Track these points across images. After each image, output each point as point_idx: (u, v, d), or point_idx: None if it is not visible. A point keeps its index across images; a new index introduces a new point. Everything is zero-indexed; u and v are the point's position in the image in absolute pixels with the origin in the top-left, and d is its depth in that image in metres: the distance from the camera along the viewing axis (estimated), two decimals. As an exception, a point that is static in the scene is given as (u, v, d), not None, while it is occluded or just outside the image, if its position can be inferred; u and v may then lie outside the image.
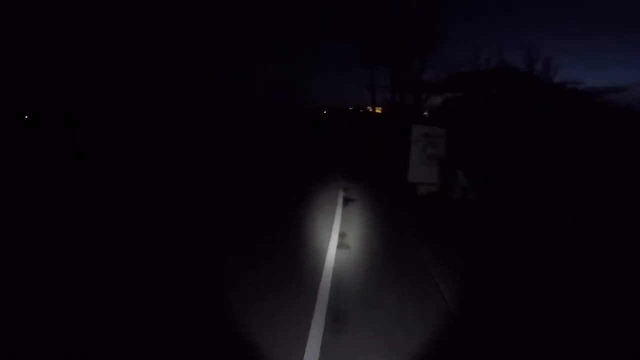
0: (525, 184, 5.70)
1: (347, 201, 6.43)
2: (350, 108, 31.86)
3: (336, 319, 2.74)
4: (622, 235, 4.16)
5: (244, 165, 11.02)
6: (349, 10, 14.24)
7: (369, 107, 28.78)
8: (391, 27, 13.89)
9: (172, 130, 16.12)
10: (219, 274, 3.50)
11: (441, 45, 14.04)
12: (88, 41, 14.27)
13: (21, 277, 3.51)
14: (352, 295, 3.12)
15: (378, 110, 21.00)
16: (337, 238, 4.46)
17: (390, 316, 2.82)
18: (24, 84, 13.91)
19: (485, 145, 6.54)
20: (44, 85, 14.23)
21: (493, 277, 3.58)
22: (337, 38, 20.24)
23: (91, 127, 14.12)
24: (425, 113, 19.43)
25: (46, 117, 14.66)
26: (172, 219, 5.45)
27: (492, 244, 4.41)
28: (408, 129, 7.03)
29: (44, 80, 14.17)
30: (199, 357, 2.38)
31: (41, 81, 14.15)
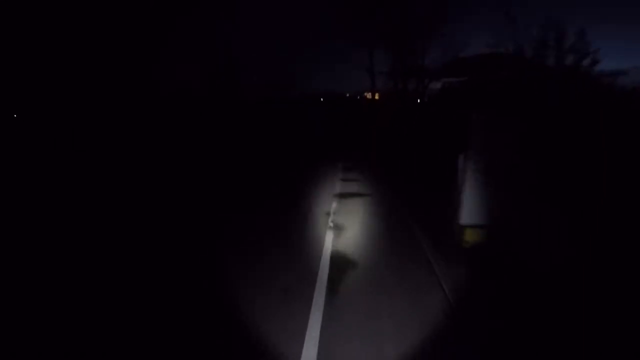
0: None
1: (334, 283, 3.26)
2: (348, 95, 31.44)
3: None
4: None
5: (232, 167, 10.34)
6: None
7: (367, 94, 28.35)
8: (396, 11, 13.46)
9: (167, 128, 15.61)
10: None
11: (446, 29, 13.66)
12: (87, 39, 13.48)
13: (24, 278, 3.46)
14: None
15: (377, 97, 20.62)
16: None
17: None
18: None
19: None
20: (24, 81, 13.46)
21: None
22: (336, 21, 19.53)
23: (85, 125, 13.56)
24: (418, 100, 19.14)
25: (33, 116, 13.93)
26: (170, 222, 5.30)
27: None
28: (435, 119, 5.23)
29: (23, 77, 13.38)
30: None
31: (20, 77, 13.35)
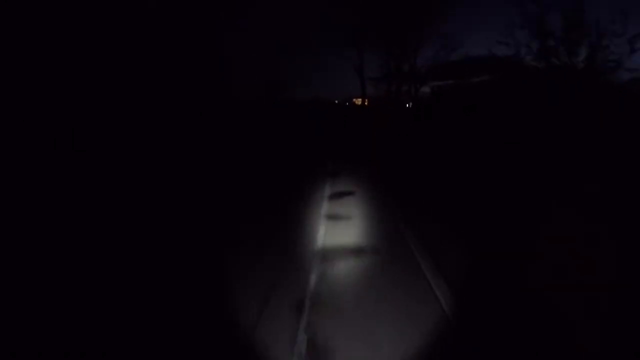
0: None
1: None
2: (336, 101, 31.84)
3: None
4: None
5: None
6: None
7: (355, 100, 28.81)
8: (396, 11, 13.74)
9: (165, 128, 15.39)
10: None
11: (443, 29, 14.06)
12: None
13: (24, 279, 3.41)
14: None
15: (366, 102, 20.99)
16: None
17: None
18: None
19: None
20: (21, 84, 12.99)
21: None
22: (335, 21, 19.44)
23: (82, 127, 13.19)
24: (407, 105, 19.51)
25: (29, 119, 13.44)
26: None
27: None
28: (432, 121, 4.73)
29: (20, 79, 12.92)
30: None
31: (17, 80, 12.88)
